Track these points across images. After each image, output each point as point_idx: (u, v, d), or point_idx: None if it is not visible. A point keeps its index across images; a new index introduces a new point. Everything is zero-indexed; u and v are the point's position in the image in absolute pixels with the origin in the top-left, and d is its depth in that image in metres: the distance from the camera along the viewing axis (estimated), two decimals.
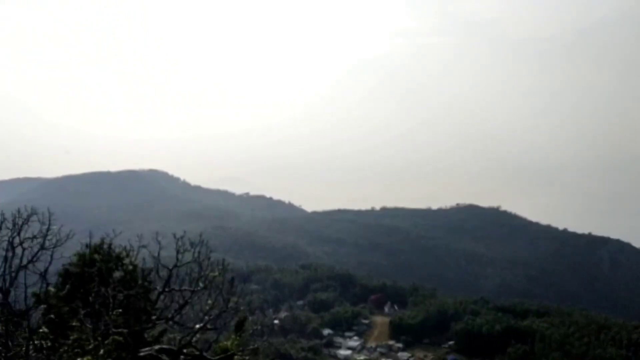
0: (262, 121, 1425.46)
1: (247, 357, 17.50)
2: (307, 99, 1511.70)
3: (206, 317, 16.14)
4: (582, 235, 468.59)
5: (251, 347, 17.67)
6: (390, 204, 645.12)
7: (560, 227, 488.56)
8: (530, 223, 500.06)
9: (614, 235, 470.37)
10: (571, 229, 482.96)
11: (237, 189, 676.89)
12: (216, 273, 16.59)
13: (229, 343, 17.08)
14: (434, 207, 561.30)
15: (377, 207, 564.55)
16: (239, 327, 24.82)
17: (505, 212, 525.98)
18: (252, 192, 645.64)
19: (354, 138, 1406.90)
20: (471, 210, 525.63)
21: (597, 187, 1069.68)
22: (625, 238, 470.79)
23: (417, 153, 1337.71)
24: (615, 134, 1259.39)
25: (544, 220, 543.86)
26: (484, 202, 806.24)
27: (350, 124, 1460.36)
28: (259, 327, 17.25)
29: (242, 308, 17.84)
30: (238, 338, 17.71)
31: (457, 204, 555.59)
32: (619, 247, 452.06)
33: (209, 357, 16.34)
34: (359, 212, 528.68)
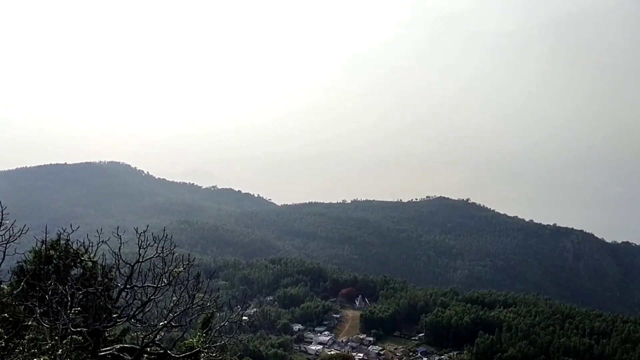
0: (230, 114, 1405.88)
1: (214, 355, 17.02)
2: (274, 93, 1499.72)
3: (170, 315, 15.52)
4: (547, 226, 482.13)
5: (218, 344, 17.15)
6: (361, 196, 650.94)
7: (527, 219, 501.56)
8: (498, 214, 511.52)
9: (577, 226, 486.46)
10: (537, 220, 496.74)
11: (204, 182, 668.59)
12: (181, 269, 15.98)
13: (194, 340, 16.53)
14: (405, 199, 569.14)
15: (348, 200, 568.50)
16: (206, 324, 24.21)
17: (474, 204, 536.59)
18: (220, 185, 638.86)
19: (323, 130, 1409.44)
20: (441, 202, 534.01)
21: (561, 179, 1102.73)
22: (588, 229, 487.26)
23: (387, 146, 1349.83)
24: (577, 127, 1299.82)
25: (510, 212, 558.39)
26: (454, 194, 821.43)
27: (318, 116, 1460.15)
28: (227, 324, 16.68)
29: (208, 304, 17.30)
30: (204, 335, 17.20)
31: (427, 197, 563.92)
32: (583, 238, 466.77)
33: (173, 355, 15.77)
34: (329, 205, 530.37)
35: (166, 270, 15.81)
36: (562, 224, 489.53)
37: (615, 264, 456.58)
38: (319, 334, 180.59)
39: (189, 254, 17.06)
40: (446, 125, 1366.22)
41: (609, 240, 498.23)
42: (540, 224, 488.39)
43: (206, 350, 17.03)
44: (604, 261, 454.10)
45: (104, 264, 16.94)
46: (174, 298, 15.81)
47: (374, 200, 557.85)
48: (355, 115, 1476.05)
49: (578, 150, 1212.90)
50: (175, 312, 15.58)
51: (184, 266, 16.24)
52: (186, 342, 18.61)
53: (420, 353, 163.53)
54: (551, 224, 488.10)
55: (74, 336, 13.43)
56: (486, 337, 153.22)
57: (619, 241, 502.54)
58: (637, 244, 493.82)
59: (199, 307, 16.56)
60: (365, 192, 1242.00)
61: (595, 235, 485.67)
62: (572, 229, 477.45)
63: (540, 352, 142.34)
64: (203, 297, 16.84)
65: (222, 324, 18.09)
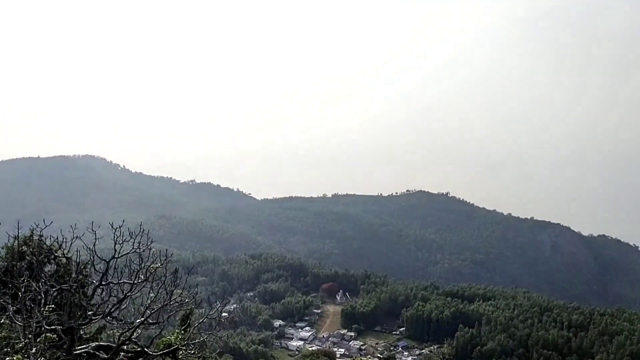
0: (208, 108, 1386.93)
1: (192, 352, 16.74)
2: (251, 83, 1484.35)
3: (147, 312, 15.18)
4: (525, 220, 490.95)
5: (197, 341, 16.84)
6: (342, 190, 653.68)
7: (505, 212, 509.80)
8: (477, 208, 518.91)
9: (554, 219, 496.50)
10: (515, 214, 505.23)
11: (182, 177, 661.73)
12: (158, 265, 15.63)
13: (173, 338, 16.20)
14: (385, 193, 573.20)
15: (329, 194, 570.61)
16: (184, 321, 23.82)
17: (454, 198, 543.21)
18: (199, 180, 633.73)
19: (305, 124, 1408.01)
20: (421, 197, 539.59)
21: (538, 173, 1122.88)
22: (565, 222, 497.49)
23: (368, 140, 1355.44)
24: (555, 122, 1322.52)
25: (489, 206, 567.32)
26: (434, 188, 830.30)
27: (299, 109, 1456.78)
28: (206, 321, 16.41)
29: (187, 301, 16.98)
30: (183, 332, 16.89)
31: (408, 191, 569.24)
32: (560, 231, 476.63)
33: (151, 352, 15.45)
34: (310, 200, 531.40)
35: (143, 266, 15.45)
36: (539, 217, 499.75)
37: (592, 257, 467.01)
38: (300, 330, 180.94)
39: (166, 250, 16.69)
40: (428, 120, 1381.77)
41: (585, 233, 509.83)
42: (518, 217, 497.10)
43: (184, 348, 16.75)
44: (580, 254, 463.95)
45: (78, 260, 16.49)
46: (151, 295, 15.46)
47: (354, 194, 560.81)
48: (339, 112, 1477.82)
49: (555, 144, 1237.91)
50: (153, 309, 15.24)
51: (162, 262, 15.88)
52: (164, 339, 18.26)
53: (402, 347, 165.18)
54: (529, 217, 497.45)
55: (48, 334, 13.08)
56: (466, 331, 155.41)
57: (595, 234, 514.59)
58: (613, 237, 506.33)
59: (177, 304, 16.21)
60: (345, 186, 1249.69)
61: (572, 229, 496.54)
62: (550, 222, 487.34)
63: (519, 345, 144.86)
64: (181, 293, 16.49)
65: (201, 320, 17.79)
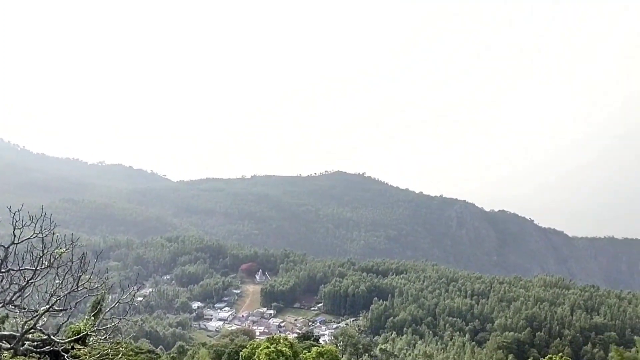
0: (121, 83, 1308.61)
1: (104, 338, 16.32)
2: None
3: (53, 298, 14.57)
4: (435, 197, 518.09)
5: (109, 326, 16.43)
6: (261, 171, 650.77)
7: (417, 191, 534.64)
8: (392, 187, 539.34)
9: (461, 196, 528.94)
10: (426, 191, 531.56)
11: (90, 158, 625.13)
12: (63, 250, 14.97)
13: (82, 324, 15.70)
14: (304, 174, 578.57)
15: (248, 175, 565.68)
16: (95, 307, 23.02)
17: (369, 178, 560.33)
18: (109, 161, 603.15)
19: (222, 103, 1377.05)
20: (339, 177, 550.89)
21: (448, 151, 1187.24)
22: (470, 199, 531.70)
23: (286, 120, 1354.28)
24: (464, 102, 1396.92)
25: (403, 185, 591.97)
26: (351, 168, 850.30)
27: (218, 86, 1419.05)
28: (119, 306, 16.06)
29: (97, 287, 16.44)
30: (93, 318, 16.38)
31: (326, 171, 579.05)
32: (465, 207, 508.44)
33: (58, 340, 14.90)
34: (228, 181, 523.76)
35: (46, 252, 14.73)
36: (447, 195, 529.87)
37: (493, 230, 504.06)
38: (219, 311, 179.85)
39: (72, 234, 15.98)
40: (343, 97, 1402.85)
41: (487, 209, 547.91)
42: (429, 195, 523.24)
43: (95, 334, 16.26)
44: (482, 228, 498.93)
45: None
46: (56, 281, 14.82)
47: (273, 175, 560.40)
48: (256, 89, 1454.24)
49: (464, 126, 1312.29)
50: (59, 296, 14.64)
51: (67, 247, 15.21)
52: (72, 326, 17.62)
53: (319, 322, 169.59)
54: (438, 195, 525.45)
55: None
56: (380, 303, 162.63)
57: (496, 210, 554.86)
58: (512, 212, 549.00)
59: (86, 290, 15.64)
60: (264, 167, 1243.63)
61: (476, 205, 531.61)
62: (456, 199, 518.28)
63: (428, 314, 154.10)
64: (89, 279, 15.90)
65: (113, 305, 17.33)
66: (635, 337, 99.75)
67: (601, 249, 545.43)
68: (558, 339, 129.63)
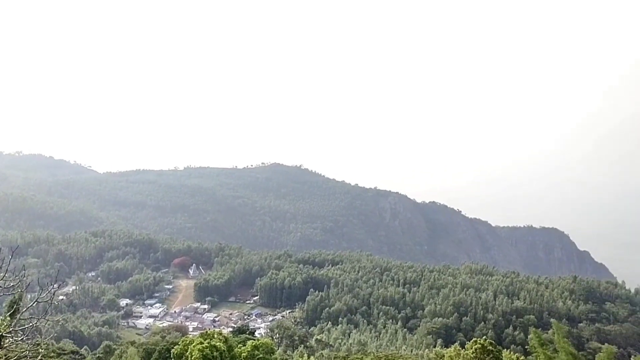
0: (43, 66, 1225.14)
1: (21, 339, 15.10)
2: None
3: None
4: (370, 189, 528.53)
5: (27, 327, 15.17)
6: (195, 163, 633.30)
7: (352, 183, 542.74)
8: (328, 179, 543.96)
9: (394, 189, 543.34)
10: (361, 184, 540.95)
11: (6, 147, 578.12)
12: None
13: None
14: (240, 166, 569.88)
15: (181, 166, 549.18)
16: (12, 306, 21.25)
17: (306, 170, 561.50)
18: (27, 151, 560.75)
19: (153, 91, 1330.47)
20: (275, 169, 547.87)
21: (382, 143, 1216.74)
22: (403, 191, 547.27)
23: (222, 110, 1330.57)
24: (394, 97, 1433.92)
25: (339, 177, 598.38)
26: (288, 160, 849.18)
27: (149, 73, 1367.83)
28: (37, 305, 14.83)
29: (12, 285, 15.12)
30: (9, 319, 15.08)
31: (263, 163, 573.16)
32: (398, 199, 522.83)
33: None
34: (160, 172, 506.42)
35: None
36: (382, 187, 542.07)
37: (424, 220, 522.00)
38: (149, 307, 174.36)
39: None
40: (283, 89, 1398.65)
41: (419, 200, 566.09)
42: (364, 187, 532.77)
43: (11, 335, 15.04)
44: (414, 219, 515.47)
45: None
46: None
47: (208, 166, 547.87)
48: (194, 80, 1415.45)
49: (394, 117, 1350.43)
50: None
51: None
52: None
53: (255, 315, 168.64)
54: (373, 187, 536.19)
55: None
56: (316, 295, 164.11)
57: (427, 201, 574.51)
58: (441, 203, 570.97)
59: (0, 288, 14.35)
60: (199, 158, 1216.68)
61: (409, 196, 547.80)
62: (390, 191, 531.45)
63: (362, 303, 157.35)
64: (4, 276, 14.62)
65: (31, 304, 16.10)
66: (552, 320, 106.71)
67: (521, 237, 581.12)
68: (482, 322, 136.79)
